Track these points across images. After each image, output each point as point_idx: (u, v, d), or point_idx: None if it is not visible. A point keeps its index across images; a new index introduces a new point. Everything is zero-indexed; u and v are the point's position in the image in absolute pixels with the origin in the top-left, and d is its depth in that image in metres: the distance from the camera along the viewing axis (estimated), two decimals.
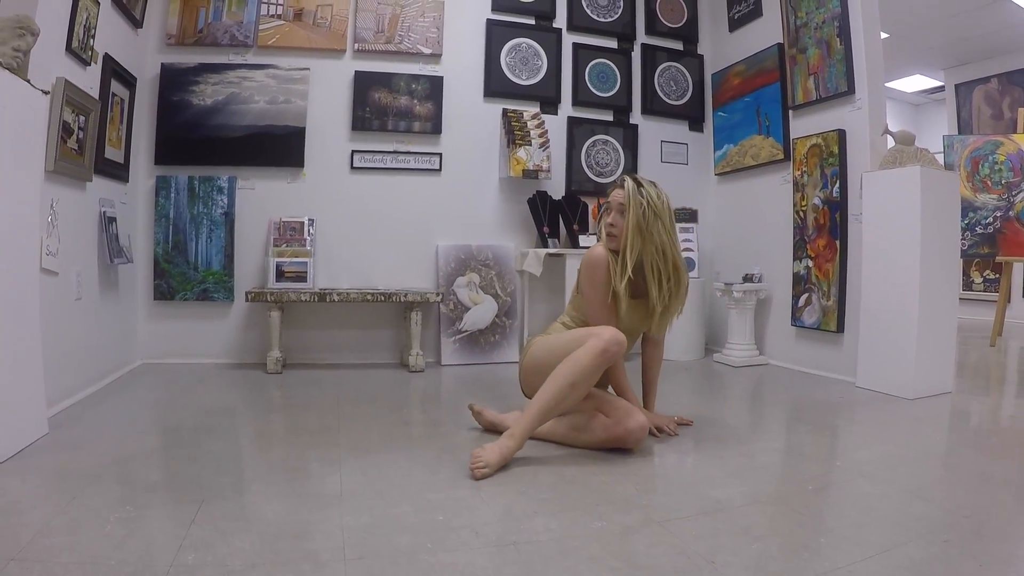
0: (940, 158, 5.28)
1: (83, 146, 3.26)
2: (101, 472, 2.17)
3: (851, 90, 3.98)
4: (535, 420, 2.33)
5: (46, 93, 2.70)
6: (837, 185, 4.00)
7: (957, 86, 7.89)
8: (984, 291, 7.60)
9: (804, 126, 4.33)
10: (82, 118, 3.24)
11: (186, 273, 4.20)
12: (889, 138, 3.87)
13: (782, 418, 3.27)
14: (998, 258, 5.62)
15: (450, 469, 2.27)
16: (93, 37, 3.38)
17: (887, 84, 8.43)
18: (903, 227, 3.52)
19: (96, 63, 3.46)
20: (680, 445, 2.65)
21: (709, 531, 1.77)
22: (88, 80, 3.37)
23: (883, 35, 6.31)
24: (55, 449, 2.41)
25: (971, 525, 1.83)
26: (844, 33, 4.00)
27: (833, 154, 4.04)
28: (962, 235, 5.47)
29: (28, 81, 2.47)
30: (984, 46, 7.22)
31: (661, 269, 2.62)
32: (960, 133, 7.71)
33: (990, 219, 5.54)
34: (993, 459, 2.45)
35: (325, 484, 2.11)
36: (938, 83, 8.38)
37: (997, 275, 6.78)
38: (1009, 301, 6.61)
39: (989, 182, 5.57)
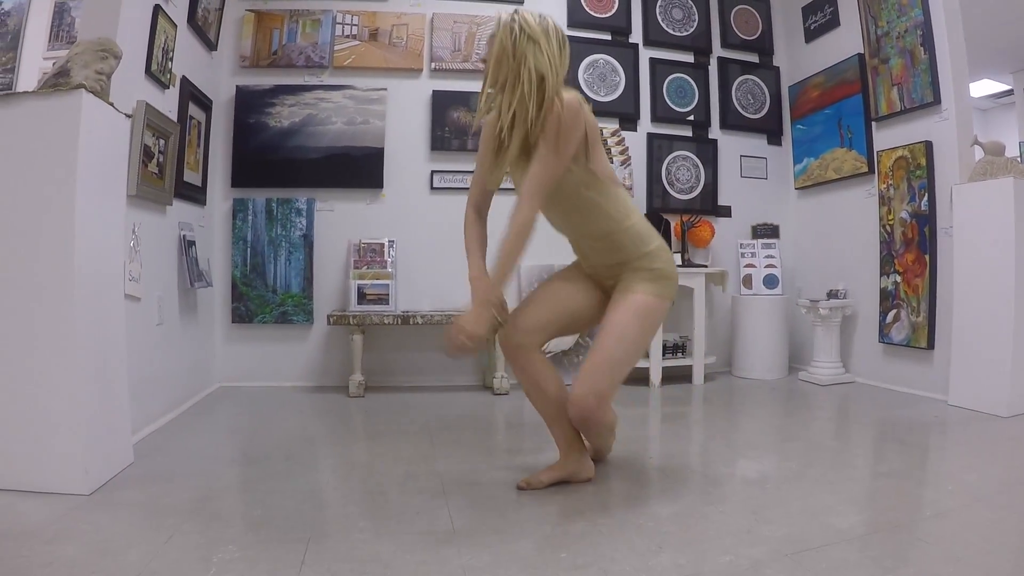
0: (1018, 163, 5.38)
1: (163, 169, 3.45)
2: (196, 507, 2.25)
3: (937, 100, 4.09)
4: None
5: (129, 116, 2.83)
6: (925, 198, 4.12)
7: None
8: None
9: (889, 138, 4.45)
10: (162, 141, 3.42)
11: (264, 296, 4.40)
12: (978, 149, 3.97)
13: (880, 439, 3.37)
14: None
15: (560, 501, 2.34)
16: (171, 60, 3.59)
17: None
18: (997, 240, 3.63)
19: (174, 86, 3.67)
20: (786, 469, 2.77)
21: (840, 563, 1.84)
22: (167, 103, 3.57)
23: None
24: (144, 480, 2.50)
25: None
26: (928, 41, 4.12)
27: (920, 166, 4.15)
28: None
29: (112, 104, 2.59)
30: None
31: (531, 103, 2.25)
32: None
33: None
34: None
35: (435, 520, 2.16)
36: (1007, 87, 8.43)
37: None
38: None
39: None
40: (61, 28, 4.46)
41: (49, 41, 4.45)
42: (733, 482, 2.60)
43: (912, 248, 4.23)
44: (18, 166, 2.32)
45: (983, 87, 8.40)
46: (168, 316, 3.56)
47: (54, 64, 2.58)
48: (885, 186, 4.43)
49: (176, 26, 3.61)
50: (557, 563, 1.85)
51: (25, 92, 2.45)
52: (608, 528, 2.10)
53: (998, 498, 2.35)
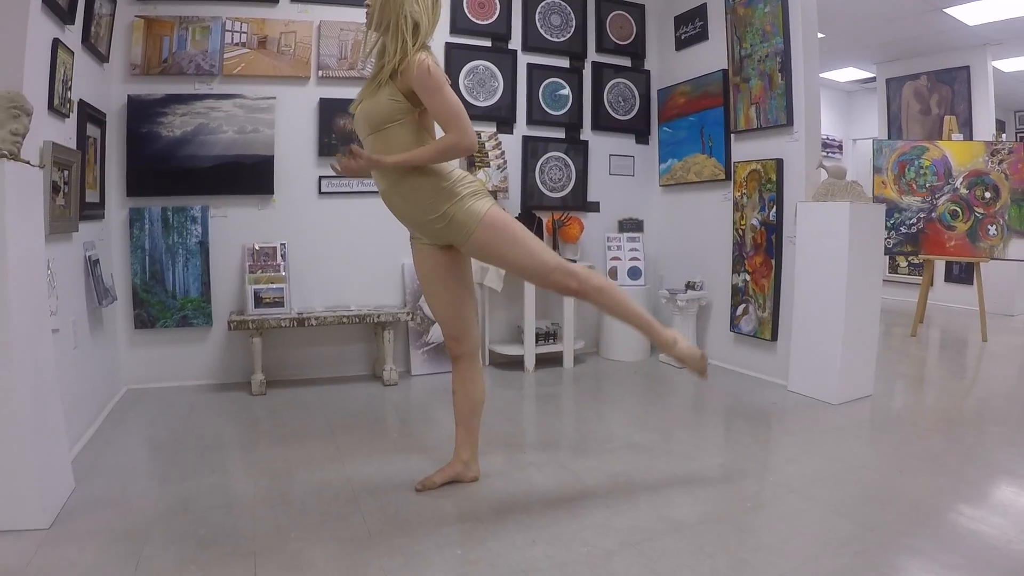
0: (859, 165, 6.15)
1: (68, 199, 3.63)
2: (148, 530, 2.60)
3: (790, 123, 4.68)
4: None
5: (41, 167, 3.05)
6: (774, 209, 4.76)
7: (888, 80, 8.85)
8: (909, 274, 8.67)
9: (745, 151, 5.07)
10: (66, 172, 3.59)
11: (165, 301, 4.74)
12: (823, 171, 4.61)
13: (723, 429, 4.06)
14: (920, 256, 6.58)
15: (453, 501, 2.88)
16: (70, 88, 3.74)
17: (820, 75, 9.33)
18: (833, 253, 4.29)
19: (73, 113, 3.82)
20: (638, 462, 3.35)
21: (673, 551, 2.45)
22: (66, 131, 3.72)
23: (818, 35, 7.18)
24: (91, 507, 2.81)
25: (876, 538, 2.53)
26: (785, 69, 4.67)
27: (771, 180, 4.78)
28: (888, 234, 6.41)
29: (27, 162, 2.76)
30: (915, 46, 8.18)
31: (406, 41, 2.66)
32: (889, 125, 8.69)
33: (914, 220, 6.48)
34: (901, 472, 3.20)
35: (352, 525, 2.63)
36: (870, 75, 9.31)
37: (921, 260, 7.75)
38: (932, 284, 7.64)
39: (914, 185, 6.49)
40: None
41: None
42: (596, 475, 3.18)
43: (760, 252, 4.89)
44: None
45: (849, 74, 9.28)
46: (80, 337, 3.86)
47: None
48: (739, 194, 5.06)
49: (73, 53, 3.74)
50: (454, 559, 2.39)
51: None
52: (493, 526, 2.66)
53: (809, 489, 2.99)
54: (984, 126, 7.99)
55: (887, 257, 6.53)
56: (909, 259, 8.61)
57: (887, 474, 3.21)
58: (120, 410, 4.29)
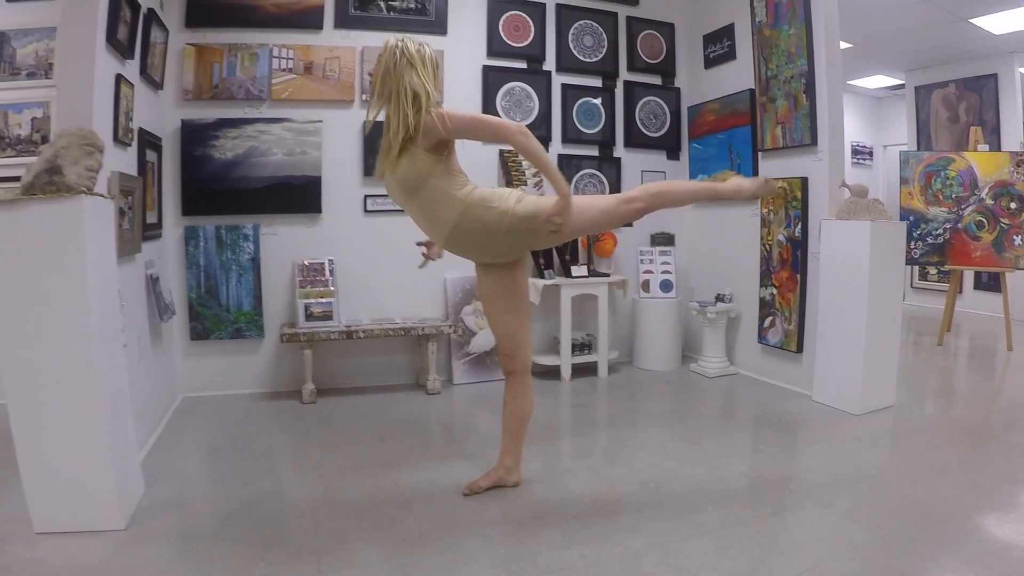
0: (890, 172, 6.36)
1: (132, 223, 4.00)
2: (218, 531, 2.91)
3: (814, 142, 4.91)
4: None
5: (112, 197, 3.37)
6: (799, 226, 5.00)
7: (917, 88, 9.04)
8: (939, 281, 8.83)
9: (771, 168, 5.29)
10: (129, 198, 3.94)
11: (219, 315, 5.09)
12: (846, 190, 4.84)
13: (748, 437, 4.33)
14: (946, 267, 6.78)
15: (497, 504, 3.17)
16: (131, 119, 4.07)
17: (849, 82, 9.53)
18: (855, 269, 4.52)
19: (133, 141, 4.15)
20: (667, 470, 3.62)
21: (698, 551, 2.74)
22: (128, 159, 4.08)
23: (846, 45, 7.39)
24: (162, 510, 3.13)
25: (885, 543, 2.76)
26: (810, 90, 4.88)
27: (796, 198, 5.02)
28: (914, 244, 6.63)
29: (101, 195, 3.06)
30: (943, 55, 8.38)
31: (408, 119, 2.88)
32: (919, 132, 8.87)
33: (940, 230, 6.69)
34: (915, 482, 3.43)
35: (405, 527, 2.95)
36: (899, 81, 9.49)
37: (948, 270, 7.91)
38: (961, 291, 7.83)
39: (941, 196, 6.69)
40: (2, 58, 4.89)
41: None
42: (628, 481, 3.49)
43: (786, 267, 5.13)
44: (37, 255, 2.85)
45: (878, 81, 9.47)
46: (143, 349, 4.22)
47: (40, 154, 3.03)
48: (767, 211, 5.30)
49: (133, 85, 4.08)
50: (499, 558, 2.69)
51: (31, 196, 2.91)
52: (533, 528, 2.97)
53: (826, 497, 3.24)
54: (1012, 132, 8.14)
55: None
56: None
57: (901, 483, 3.44)
58: (178, 417, 4.64)
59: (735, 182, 3.37)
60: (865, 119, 10.83)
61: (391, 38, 3.00)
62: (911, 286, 9.67)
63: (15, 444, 2.84)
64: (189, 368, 5.10)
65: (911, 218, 6.76)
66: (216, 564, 2.63)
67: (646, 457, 3.85)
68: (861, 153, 10.55)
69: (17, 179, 4.54)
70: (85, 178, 2.96)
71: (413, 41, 2.99)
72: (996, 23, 7.14)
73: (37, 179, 2.91)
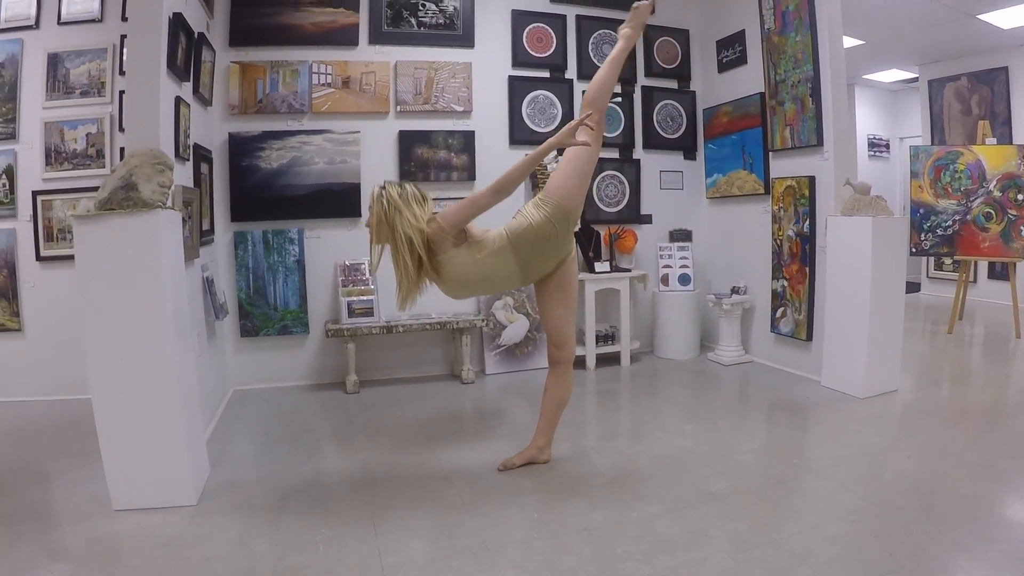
0: (907, 164, 6.74)
1: (191, 231, 4.47)
2: (282, 504, 3.34)
3: (820, 143, 5.28)
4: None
5: (179, 209, 3.83)
6: (807, 222, 5.40)
7: (930, 82, 9.36)
8: (954, 271, 9.17)
9: (781, 168, 5.71)
10: (189, 208, 4.41)
11: (267, 313, 5.59)
12: (850, 188, 5.21)
13: (759, 419, 4.72)
14: (956, 257, 7.16)
15: (529, 478, 3.60)
16: (189, 136, 4.55)
17: (864, 77, 9.87)
18: (858, 262, 4.92)
19: (190, 155, 4.63)
20: (682, 447, 4.06)
21: (706, 515, 3.15)
22: (187, 172, 4.54)
23: (858, 42, 7.75)
24: (228, 488, 3.56)
25: (875, 510, 3.08)
26: (816, 94, 5.26)
27: (804, 196, 5.42)
28: (924, 236, 7.03)
29: (172, 208, 3.50)
30: (954, 49, 8.70)
31: (408, 260, 3.30)
32: (932, 125, 9.20)
33: (949, 222, 7.06)
34: (908, 457, 3.80)
35: (448, 496, 3.40)
36: (914, 75, 9.80)
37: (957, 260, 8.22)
38: (975, 281, 8.20)
39: (950, 189, 7.07)
40: (56, 79, 5.36)
41: (47, 92, 5.34)
42: (647, 458, 3.92)
43: (796, 260, 5.54)
44: (117, 263, 3.27)
45: (892, 75, 9.80)
46: (201, 345, 4.69)
47: (114, 171, 3.46)
48: (777, 207, 5.71)
49: (189, 105, 4.56)
50: (531, 521, 3.11)
51: (111, 211, 3.31)
52: (563, 496, 3.39)
53: (825, 470, 3.63)
54: (1023, 124, 8.46)
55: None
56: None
57: (897, 459, 3.82)
58: (231, 408, 5.15)
59: (623, 34, 3.78)
60: (881, 112, 11.11)
61: (375, 187, 3.40)
62: (927, 276, 10.00)
63: (98, 431, 3.27)
64: (240, 363, 5.62)
65: (921, 211, 7.14)
66: (283, 531, 3.06)
67: (664, 437, 4.29)
68: (878, 146, 10.82)
69: (75, 190, 5.14)
70: (159, 194, 3.36)
71: (394, 185, 3.36)
72: (1003, 18, 7.46)
73: (113, 195, 3.29)
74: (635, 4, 3.75)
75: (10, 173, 5.33)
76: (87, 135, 5.37)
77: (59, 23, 5.35)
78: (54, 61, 5.35)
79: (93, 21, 5.34)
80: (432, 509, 3.30)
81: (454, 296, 3.59)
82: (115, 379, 3.30)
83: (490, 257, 3.39)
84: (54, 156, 5.34)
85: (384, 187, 3.37)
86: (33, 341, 5.42)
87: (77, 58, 5.35)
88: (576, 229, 3.66)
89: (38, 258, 5.37)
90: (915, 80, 9.84)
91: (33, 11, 5.32)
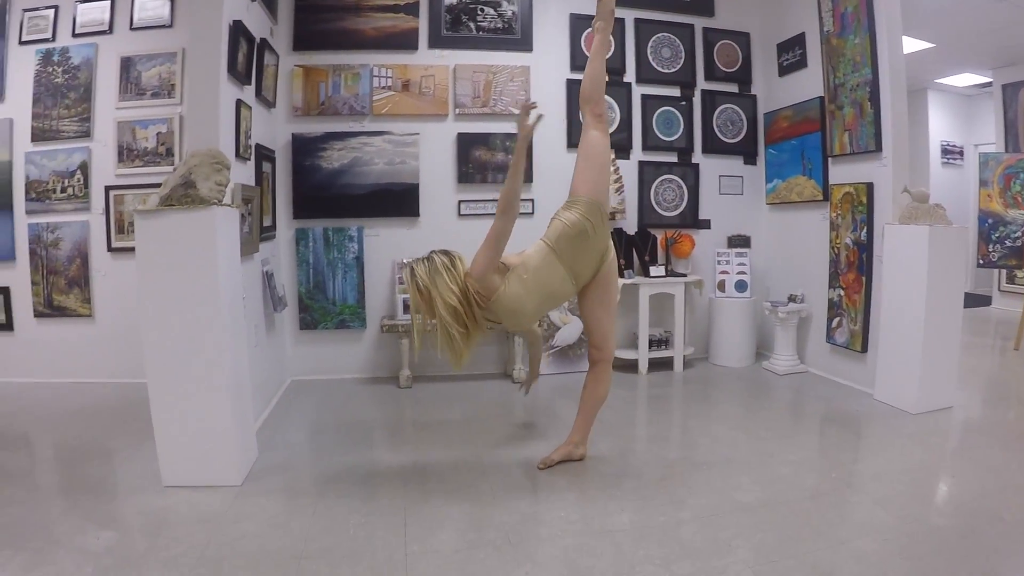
0: (975, 171, 6.60)
1: (252, 227, 4.69)
2: (321, 489, 3.57)
3: (879, 149, 5.23)
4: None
5: (237, 207, 4.02)
6: (865, 230, 5.35)
7: (1004, 86, 9.11)
8: None
9: (840, 174, 5.67)
10: (249, 205, 4.62)
11: (326, 307, 5.79)
12: (908, 195, 5.13)
13: (805, 430, 4.69)
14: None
15: (564, 475, 3.68)
16: (250, 137, 4.77)
17: (937, 81, 9.67)
18: (914, 273, 4.85)
19: (251, 155, 4.85)
20: (720, 455, 4.07)
21: (734, 524, 3.17)
22: (248, 171, 4.78)
23: (928, 45, 7.61)
24: (274, 471, 3.82)
25: (909, 529, 3.02)
26: (874, 98, 5.22)
27: (862, 203, 5.37)
28: (991, 247, 6.87)
29: (228, 205, 3.73)
30: None
31: (454, 330, 3.43)
32: (1006, 131, 8.96)
33: (1019, 233, 6.89)
34: (949, 476, 3.75)
35: (480, 491, 3.53)
36: (987, 79, 9.56)
37: None
38: None
39: (1020, 198, 6.90)
40: (129, 81, 5.70)
41: (119, 93, 5.70)
42: (683, 463, 3.96)
43: (853, 269, 5.50)
44: (175, 256, 3.49)
45: (966, 79, 9.59)
46: (259, 336, 4.92)
47: (175, 169, 3.60)
48: (835, 214, 5.67)
49: (251, 108, 4.77)
50: (558, 520, 3.20)
51: (171, 207, 3.53)
52: (593, 497, 3.47)
53: (864, 485, 3.58)
54: None
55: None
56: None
57: (940, 478, 3.74)
58: (288, 397, 5.39)
59: (597, 27, 3.91)
60: (955, 118, 10.83)
61: (405, 270, 3.63)
62: (999, 289, 9.72)
63: (152, 413, 3.56)
64: (298, 354, 5.86)
65: (990, 220, 7.00)
66: (318, 515, 3.26)
67: (705, 444, 4.32)
68: (951, 153, 10.55)
69: (146, 186, 5.43)
70: (215, 191, 3.58)
71: (420, 263, 3.50)
72: None
73: (173, 192, 3.52)
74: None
75: (85, 169, 5.69)
76: (157, 134, 5.67)
77: (131, 28, 5.68)
78: (127, 64, 5.69)
79: (164, 27, 5.65)
80: (463, 502, 3.43)
81: (524, 326, 3.75)
82: (169, 364, 3.55)
83: (538, 272, 3.52)
84: (126, 153, 5.66)
85: (413, 268, 3.50)
86: (103, 327, 5.80)
87: (148, 61, 5.66)
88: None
89: (109, 249, 5.74)
90: (989, 84, 9.60)
91: (107, 17, 5.69)
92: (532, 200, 6.00)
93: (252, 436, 4.04)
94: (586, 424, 3.97)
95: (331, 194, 5.78)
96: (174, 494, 3.50)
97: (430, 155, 5.92)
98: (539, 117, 3.50)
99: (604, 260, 3.73)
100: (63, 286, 5.78)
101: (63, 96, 5.70)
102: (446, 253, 3.52)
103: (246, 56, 4.58)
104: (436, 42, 5.92)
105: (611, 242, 3.81)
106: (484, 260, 3.42)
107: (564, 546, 2.98)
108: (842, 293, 5.62)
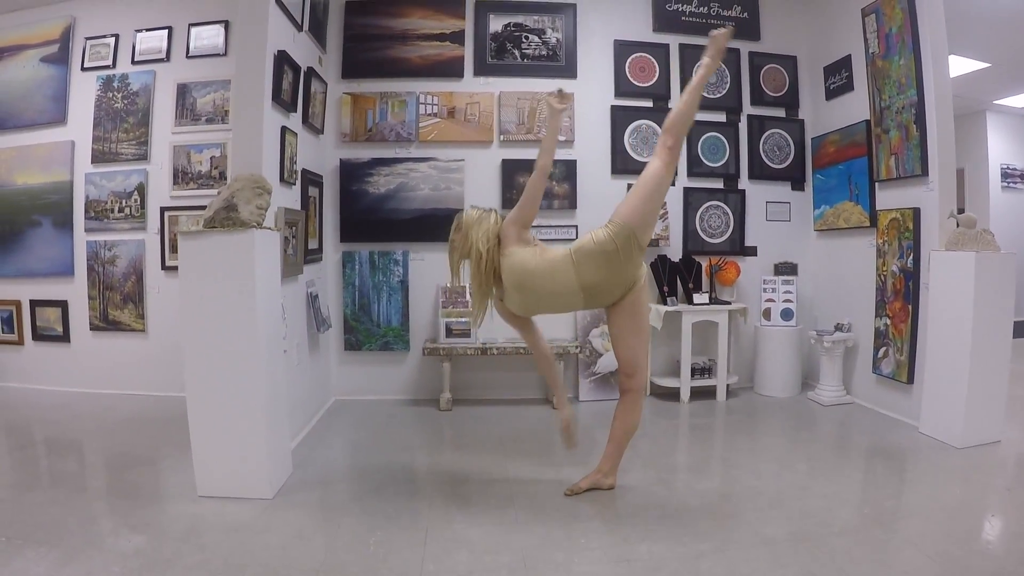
0: None
1: (296, 250, 4.88)
2: (348, 505, 3.72)
3: (925, 173, 5.17)
4: None
5: (279, 230, 4.24)
6: (911, 256, 5.30)
7: None
8: None
9: (887, 199, 5.62)
10: (293, 228, 4.81)
11: (370, 329, 5.95)
12: (954, 220, 5.02)
13: (843, 464, 4.58)
14: None
15: (591, 503, 3.74)
16: (295, 162, 4.95)
17: (996, 102, 9.49)
18: (960, 301, 4.78)
19: (297, 180, 5.04)
20: (753, 488, 4.05)
21: (754, 559, 3.13)
22: (293, 196, 4.96)
23: (983, 65, 7.50)
24: (306, 486, 3.98)
25: (938, 570, 2.91)
26: (920, 121, 5.16)
27: (909, 229, 5.32)
28: None
29: (269, 228, 3.93)
30: None
31: (478, 259, 3.68)
32: None
33: None
34: (992, 515, 3.61)
35: (505, 514, 3.59)
36: None
37: None
38: None
39: None
40: (185, 107, 6.00)
41: (176, 119, 6.02)
42: (712, 495, 3.96)
43: (899, 298, 5.46)
44: (216, 276, 3.68)
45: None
46: (301, 355, 5.09)
47: (219, 193, 3.78)
48: (882, 241, 5.63)
49: (296, 134, 4.96)
50: (577, 546, 3.25)
51: (213, 228, 3.71)
52: (615, 526, 3.54)
53: (896, 523, 3.48)
54: None
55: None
56: None
57: (979, 516, 3.60)
58: (329, 416, 5.59)
59: (704, 63, 3.88)
60: (1016, 140, 10.45)
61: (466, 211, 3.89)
62: None
63: (190, 426, 3.77)
64: (342, 374, 6.05)
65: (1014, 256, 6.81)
66: (342, 530, 3.41)
67: (738, 475, 4.31)
68: (1012, 176, 10.26)
69: (199, 208, 5.76)
70: (256, 215, 3.78)
71: (476, 208, 3.88)
72: None
73: (217, 214, 3.72)
74: (712, 33, 3.85)
75: (141, 190, 5.99)
76: (211, 158, 5.94)
77: (187, 56, 5.98)
78: (183, 91, 5.99)
79: (218, 55, 5.93)
80: (486, 524, 3.51)
81: (520, 309, 3.78)
82: (207, 379, 3.75)
83: (551, 263, 3.61)
84: (181, 176, 5.95)
85: (470, 208, 3.89)
86: (154, 342, 6.10)
87: (203, 88, 5.94)
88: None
89: (163, 267, 6.03)
90: None
91: (164, 45, 6.00)
92: (576, 226, 6.09)
93: (287, 451, 4.21)
94: (616, 454, 4.00)
95: (377, 218, 5.95)
96: (206, 503, 3.70)
97: (475, 181, 6.06)
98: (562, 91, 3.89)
99: (633, 288, 3.76)
100: (118, 301, 6.09)
101: (122, 120, 6.03)
102: (499, 215, 3.80)
103: (292, 84, 4.77)
104: (481, 70, 6.08)
105: (643, 270, 3.85)
106: (520, 207, 3.67)
107: (578, 572, 3.04)
108: (888, 322, 5.58)
